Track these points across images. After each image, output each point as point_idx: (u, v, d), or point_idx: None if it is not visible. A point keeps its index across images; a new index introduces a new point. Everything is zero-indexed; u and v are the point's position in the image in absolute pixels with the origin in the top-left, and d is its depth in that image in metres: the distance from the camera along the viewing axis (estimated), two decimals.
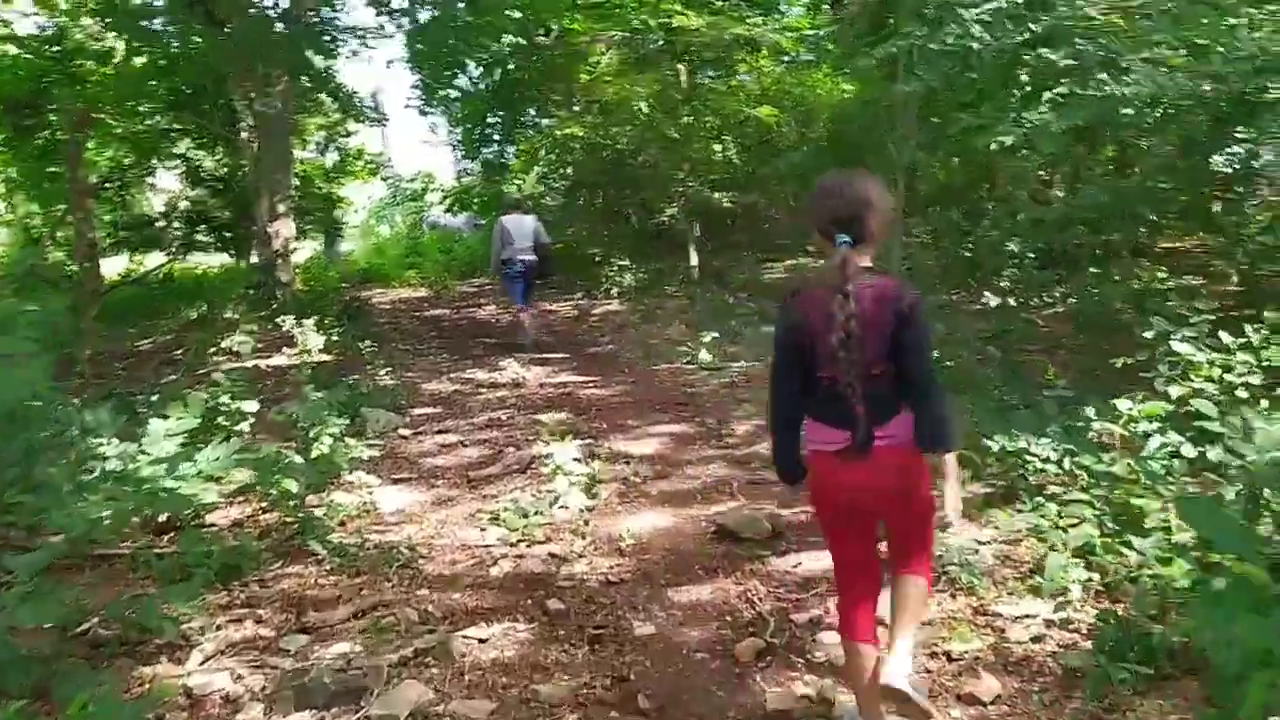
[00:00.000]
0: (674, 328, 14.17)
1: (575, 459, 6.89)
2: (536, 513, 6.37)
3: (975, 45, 8.18)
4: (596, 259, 19.13)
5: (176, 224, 21.59)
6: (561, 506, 6.41)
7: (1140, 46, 7.13)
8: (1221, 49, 6.97)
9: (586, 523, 6.23)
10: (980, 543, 5.30)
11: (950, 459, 3.32)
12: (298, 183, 20.60)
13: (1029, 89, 8.22)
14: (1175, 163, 8.32)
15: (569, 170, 21.79)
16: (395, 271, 23.84)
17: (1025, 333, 10.67)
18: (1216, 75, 6.89)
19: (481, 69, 20.79)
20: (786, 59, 18.74)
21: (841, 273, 3.09)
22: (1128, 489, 5.13)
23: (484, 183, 24.24)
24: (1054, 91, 8.04)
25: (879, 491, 3.31)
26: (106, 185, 20.55)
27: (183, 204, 21.76)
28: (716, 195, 17.74)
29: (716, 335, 12.29)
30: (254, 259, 19.56)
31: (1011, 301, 12.37)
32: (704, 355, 11.34)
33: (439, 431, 8.94)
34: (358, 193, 27.41)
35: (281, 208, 18.50)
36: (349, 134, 23.47)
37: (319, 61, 17.39)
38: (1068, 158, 11.92)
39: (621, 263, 18.71)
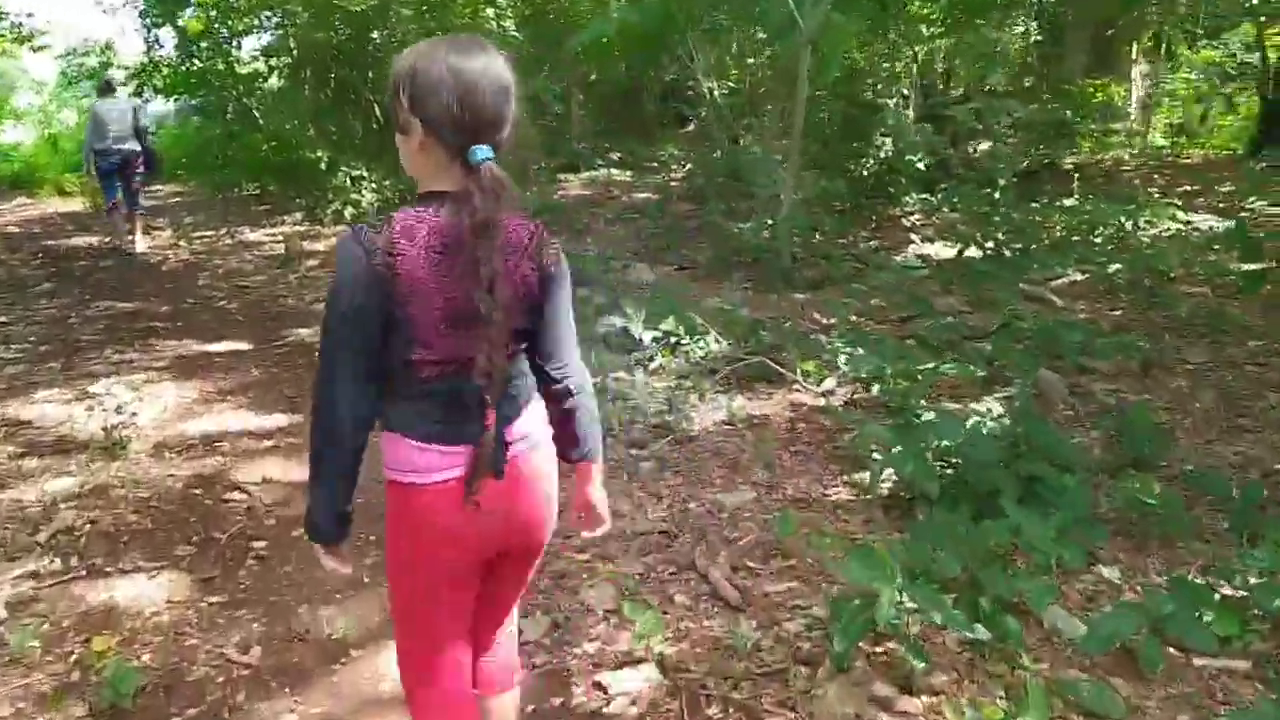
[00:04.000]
0: None
1: None
2: None
3: None
4: (323, 166, 12.78)
5: None
6: None
7: None
8: None
9: None
10: None
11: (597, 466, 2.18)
12: None
13: None
14: None
15: (292, 44, 15.42)
16: (59, 174, 16.67)
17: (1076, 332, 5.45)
18: None
19: None
20: None
21: (494, 202, 1.71)
22: None
23: (182, 57, 17.29)
24: None
25: (520, 527, 1.96)
26: None
27: None
28: None
29: None
30: None
31: (974, 251, 7.23)
32: None
33: None
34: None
35: None
36: None
37: None
38: None
39: (358, 172, 12.51)
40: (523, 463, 1.91)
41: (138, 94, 19.55)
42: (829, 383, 5.14)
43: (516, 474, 1.90)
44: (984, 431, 3.71)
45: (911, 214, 9.00)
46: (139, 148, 10.12)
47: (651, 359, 5.63)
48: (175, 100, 18.77)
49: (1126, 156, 10.87)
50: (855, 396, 4.97)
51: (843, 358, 5.20)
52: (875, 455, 3.97)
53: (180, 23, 16.91)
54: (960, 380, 4.75)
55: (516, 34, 12.14)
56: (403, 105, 1.78)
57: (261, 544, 3.93)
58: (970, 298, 6.47)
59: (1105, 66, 11.95)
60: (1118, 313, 5.98)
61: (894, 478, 3.84)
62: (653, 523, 3.84)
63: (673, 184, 11.80)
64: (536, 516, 1.98)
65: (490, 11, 12.19)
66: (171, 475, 4.61)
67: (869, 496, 3.86)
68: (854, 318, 6.12)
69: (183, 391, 5.82)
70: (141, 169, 10.28)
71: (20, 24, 16.72)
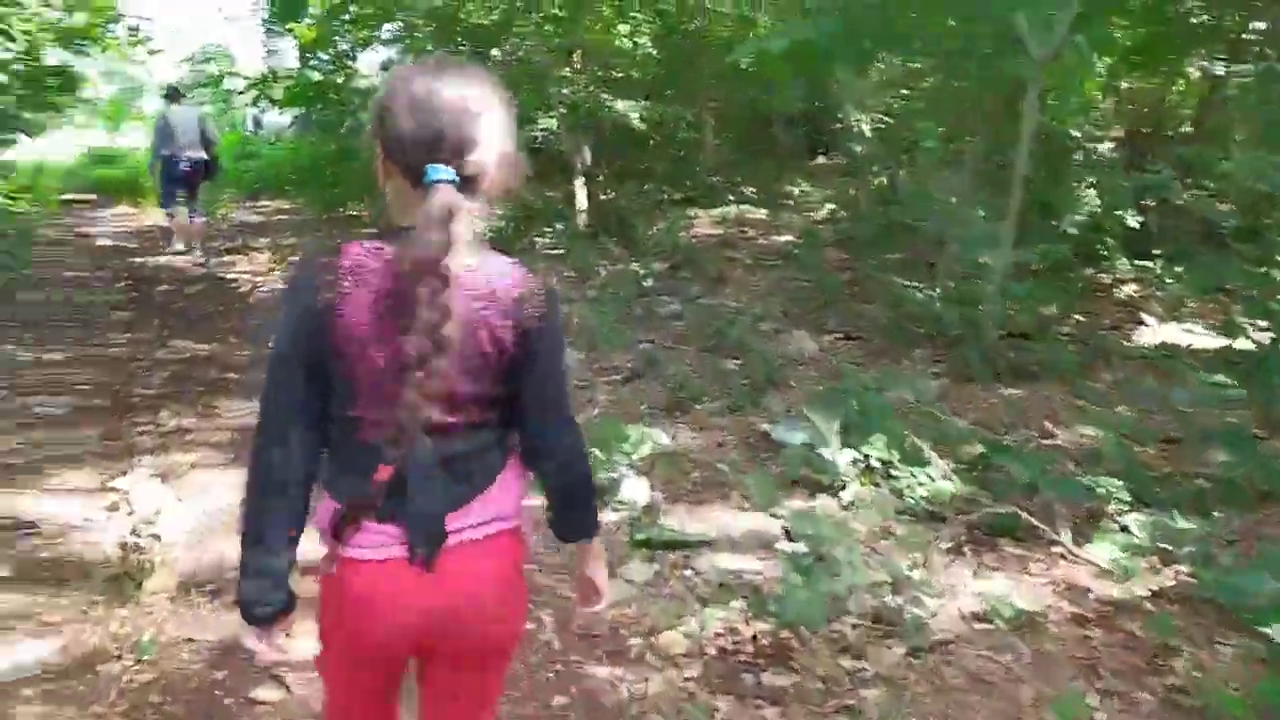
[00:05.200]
0: None
1: None
2: None
3: None
4: None
5: None
6: None
7: None
8: None
9: None
10: None
11: (595, 546, 1.84)
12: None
13: None
14: None
15: (410, 60, 14.35)
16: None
17: None
18: None
19: None
20: None
21: (440, 233, 1.43)
22: None
23: (300, 68, 16.42)
24: None
25: (454, 629, 1.63)
26: None
27: None
28: (620, 105, 10.42)
29: (644, 406, 5.21)
30: None
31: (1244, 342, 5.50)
32: (632, 493, 4.19)
33: None
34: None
35: None
36: None
37: None
38: None
39: None
40: (464, 556, 1.58)
41: (254, 104, 18.84)
42: (1106, 547, 3.52)
43: (456, 568, 1.57)
44: None
45: (1124, 283, 7.27)
46: (205, 157, 10.09)
47: (843, 486, 4.07)
48: (292, 113, 17.94)
49: None
50: (1163, 585, 3.34)
51: (1123, 508, 3.59)
52: None
53: (295, 31, 16.09)
54: None
55: (653, 52, 10.72)
56: (370, 130, 1.57)
57: None
58: (1259, 412, 4.77)
59: None
60: None
61: None
62: None
63: (818, 226, 10.22)
64: (475, 620, 1.62)
65: (624, 28, 10.79)
66: (191, 641, 3.20)
67: None
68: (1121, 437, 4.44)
69: (238, 484, 4.46)
70: (205, 178, 10.29)
71: (137, 28, 15.95)
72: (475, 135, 1.48)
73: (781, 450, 4.50)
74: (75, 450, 4.83)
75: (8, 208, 11.64)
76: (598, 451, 4.36)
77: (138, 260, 10.34)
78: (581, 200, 11.05)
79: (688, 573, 3.58)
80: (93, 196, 15.79)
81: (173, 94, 10.49)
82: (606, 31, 10.99)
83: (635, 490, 4.19)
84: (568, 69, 10.99)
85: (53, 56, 14.37)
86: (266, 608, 1.59)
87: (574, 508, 1.79)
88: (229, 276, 9.58)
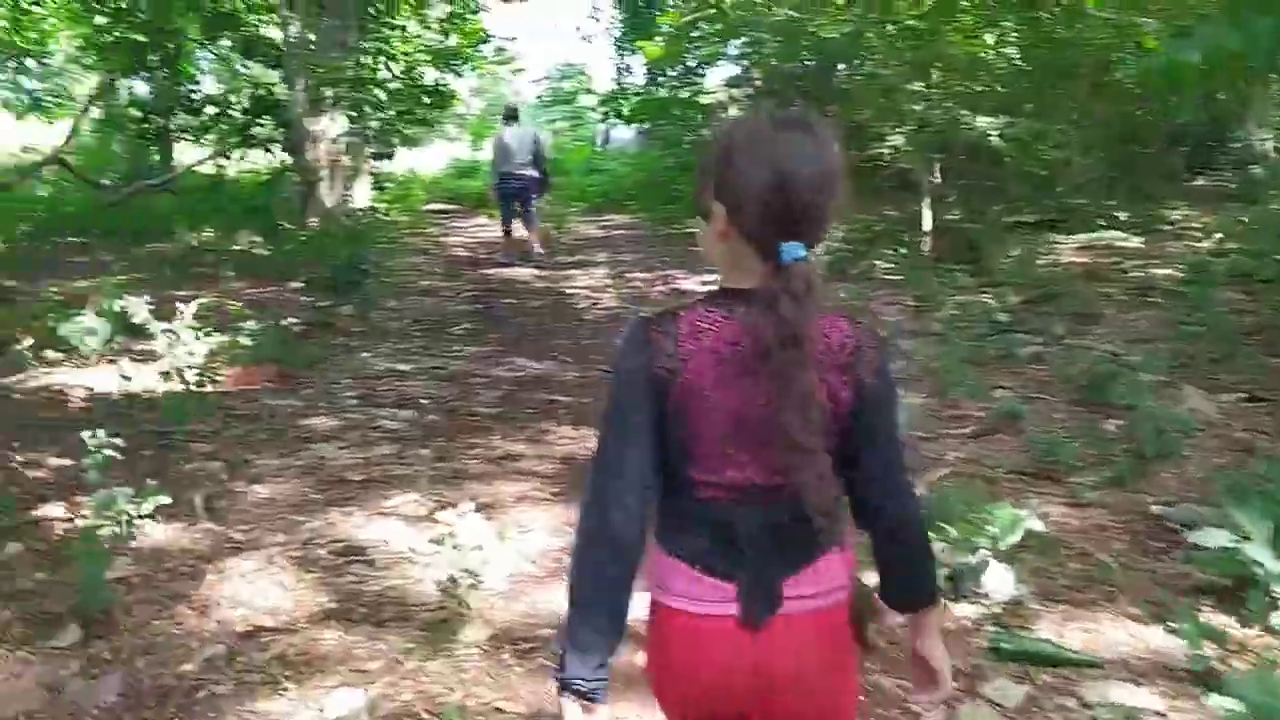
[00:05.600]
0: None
1: None
2: None
3: None
4: None
5: (232, 110, 14.92)
6: None
7: None
8: None
9: None
10: None
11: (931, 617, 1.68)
12: (380, 62, 13.58)
13: None
14: None
15: (755, 74, 14.35)
16: None
17: None
18: None
19: None
20: None
21: (800, 308, 1.42)
22: None
23: (647, 84, 16.80)
24: None
25: (778, 695, 1.55)
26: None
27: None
28: (979, 121, 9.57)
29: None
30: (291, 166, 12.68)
31: None
32: (994, 584, 3.52)
33: None
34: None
35: (329, 95, 11.80)
36: (472, 10, 16.07)
37: None
38: None
39: None
40: (795, 623, 1.52)
41: (603, 120, 19.45)
42: None
43: (785, 634, 1.51)
44: None
45: None
46: (537, 174, 10.69)
47: (1275, 606, 3.22)
48: (637, 128, 18.33)
49: None
50: None
51: None
52: None
53: (643, 49, 16.40)
54: None
55: (1022, 63, 9.78)
56: (707, 187, 1.50)
57: None
58: None
59: None
60: None
61: None
62: None
63: (1210, 259, 8.86)
64: (800, 689, 1.53)
65: (989, 38, 9.91)
66: (499, 711, 2.95)
67: None
68: None
69: (560, 523, 4.23)
70: (537, 194, 10.92)
71: (503, 48, 16.84)
72: (826, 211, 1.45)
73: (1183, 544, 3.68)
74: (408, 471, 4.83)
75: (381, 217, 12.52)
76: (948, 527, 3.74)
77: (486, 272, 10.76)
78: (927, 222, 10.31)
79: (1070, 702, 2.91)
80: (455, 207, 16.85)
81: (510, 115, 11.18)
82: (968, 42, 10.16)
83: (997, 580, 3.54)
84: (921, 83, 10.28)
85: (429, 75, 15.42)
86: (590, 683, 1.49)
87: (909, 574, 1.66)
88: (568, 290, 9.70)
